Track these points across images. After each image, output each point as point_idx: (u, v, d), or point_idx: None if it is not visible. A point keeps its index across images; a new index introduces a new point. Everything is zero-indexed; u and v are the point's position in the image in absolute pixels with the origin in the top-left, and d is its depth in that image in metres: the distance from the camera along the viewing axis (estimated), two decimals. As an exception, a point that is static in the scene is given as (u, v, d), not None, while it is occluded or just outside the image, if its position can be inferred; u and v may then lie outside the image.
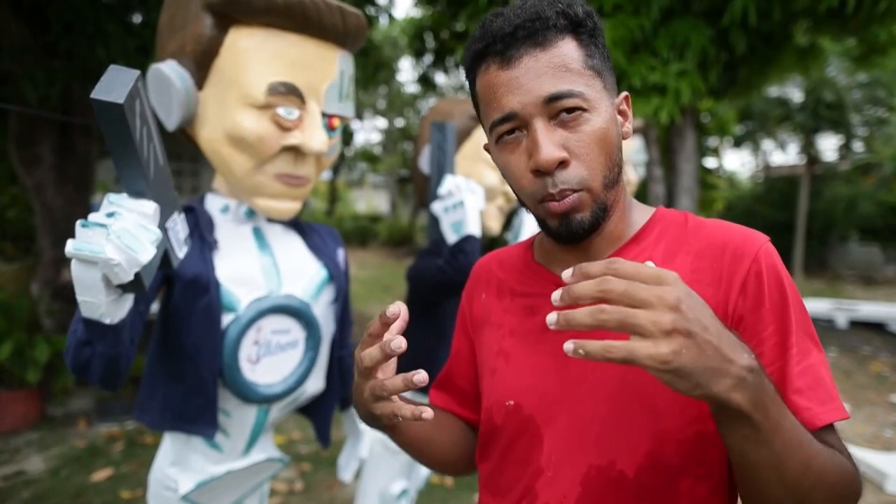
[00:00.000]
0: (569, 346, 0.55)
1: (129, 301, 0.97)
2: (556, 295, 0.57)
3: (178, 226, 1.04)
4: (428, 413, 0.72)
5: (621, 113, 0.80)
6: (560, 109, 0.71)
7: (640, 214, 0.84)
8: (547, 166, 0.71)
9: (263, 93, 1.28)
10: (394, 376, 0.72)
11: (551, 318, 0.56)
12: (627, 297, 0.53)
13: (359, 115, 15.46)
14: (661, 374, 0.52)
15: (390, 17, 6.49)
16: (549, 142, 0.71)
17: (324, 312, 1.52)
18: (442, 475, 0.98)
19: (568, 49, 0.72)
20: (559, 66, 0.71)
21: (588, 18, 0.74)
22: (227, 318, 1.33)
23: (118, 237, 0.84)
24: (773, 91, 11.02)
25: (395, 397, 0.75)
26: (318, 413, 1.66)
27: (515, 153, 0.75)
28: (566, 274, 0.58)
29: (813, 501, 0.62)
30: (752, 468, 0.61)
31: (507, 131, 0.75)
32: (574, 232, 0.75)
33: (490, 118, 0.76)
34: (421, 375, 0.68)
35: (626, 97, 0.81)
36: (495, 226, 2.25)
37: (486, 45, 0.74)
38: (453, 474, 1.00)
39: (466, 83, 0.84)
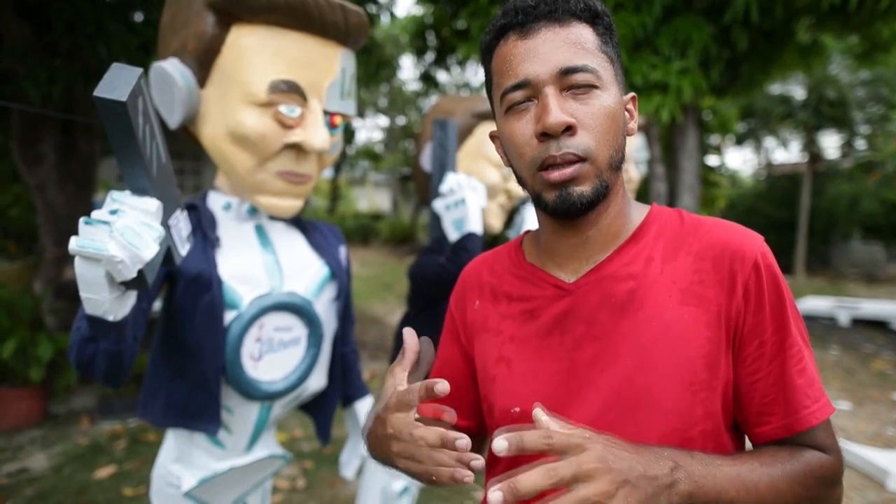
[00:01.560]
0: None
1: (132, 298, 0.98)
2: (496, 498, 0.56)
3: (181, 223, 1.04)
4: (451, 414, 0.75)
5: (627, 111, 0.81)
6: (573, 83, 0.73)
7: (637, 212, 0.85)
8: (555, 128, 0.71)
9: (265, 91, 1.29)
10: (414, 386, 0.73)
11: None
12: (576, 479, 0.56)
13: (360, 113, 15.46)
14: None
15: (392, 14, 6.49)
16: (559, 107, 0.72)
17: (326, 310, 1.52)
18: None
19: (584, 32, 0.75)
20: (575, 42, 0.74)
21: (605, 15, 0.77)
22: (229, 316, 1.33)
23: (121, 234, 0.85)
24: (776, 88, 11.00)
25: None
26: (320, 410, 1.66)
27: (523, 120, 0.76)
28: (498, 447, 0.58)
29: None
30: None
31: (518, 100, 0.75)
32: (573, 204, 0.74)
33: (503, 86, 0.77)
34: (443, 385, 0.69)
35: (633, 97, 0.82)
36: (497, 223, 2.25)
37: (508, 20, 0.77)
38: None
39: (481, 68, 0.85)
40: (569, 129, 0.72)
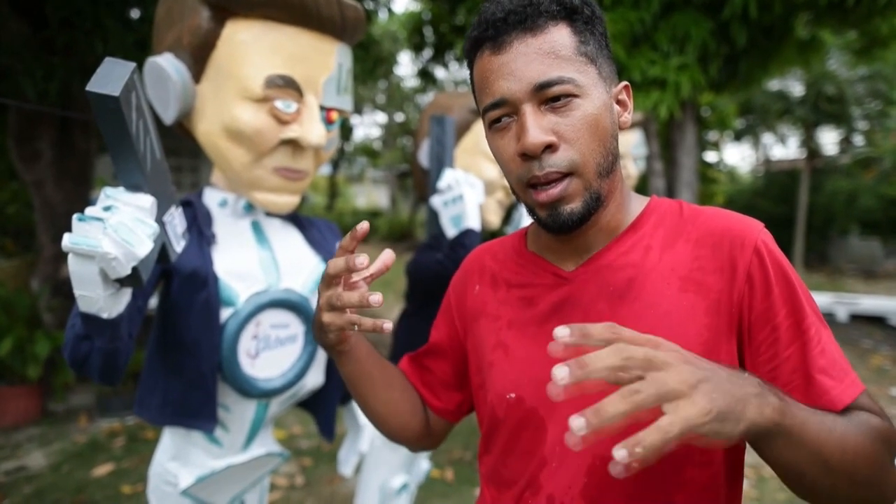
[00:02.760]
0: (621, 453, 0.47)
1: (126, 295, 0.97)
2: (561, 372, 0.50)
3: (176, 220, 1.03)
4: (388, 325, 0.77)
5: (620, 102, 0.79)
6: (550, 96, 0.71)
7: (636, 204, 0.84)
8: (533, 149, 0.70)
9: (261, 86, 1.28)
10: (351, 292, 0.76)
11: (576, 424, 0.48)
12: (649, 364, 0.51)
13: (358, 110, 15.44)
14: (707, 426, 0.49)
15: (389, 10, 6.47)
16: (537, 126, 0.71)
17: (323, 307, 1.51)
18: (397, 441, 0.97)
19: (560, 35, 0.72)
20: (549, 52, 0.71)
21: (584, 6, 0.74)
22: (225, 313, 1.32)
23: (115, 231, 0.84)
24: (774, 85, 10.99)
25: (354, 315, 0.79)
26: (321, 408, 1.66)
27: (505, 138, 0.75)
28: (561, 334, 0.53)
29: (861, 474, 0.63)
30: (797, 471, 0.61)
31: (498, 117, 0.75)
32: (563, 223, 0.74)
33: (482, 104, 0.76)
34: (377, 297, 0.73)
35: (627, 86, 0.80)
36: (495, 220, 2.25)
37: (480, 32, 0.75)
38: (390, 436, 0.97)
39: (468, 74, 0.84)
40: (549, 147, 0.71)
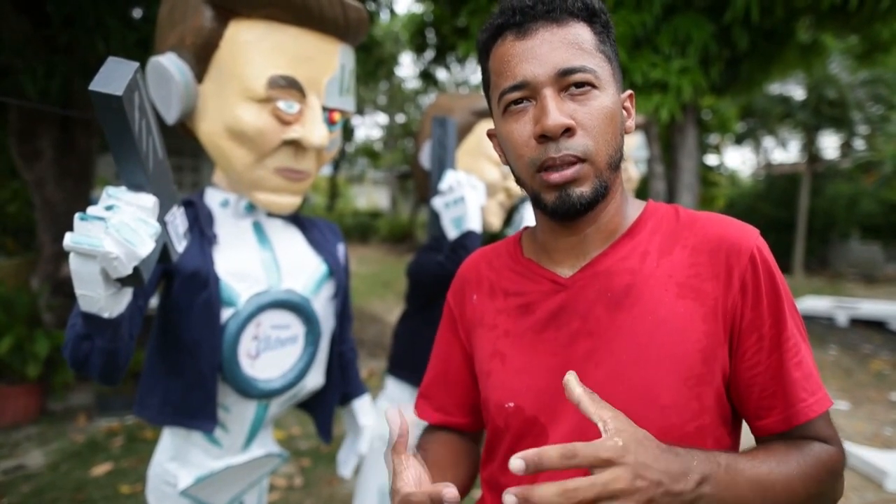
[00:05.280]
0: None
1: (127, 295, 0.97)
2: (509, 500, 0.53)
3: (178, 220, 1.03)
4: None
5: (625, 109, 0.81)
6: (571, 83, 0.73)
7: (633, 208, 0.85)
8: (554, 130, 0.71)
9: (263, 86, 1.27)
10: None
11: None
12: (598, 500, 0.53)
13: (359, 111, 15.44)
14: None
15: (391, 12, 6.48)
16: (558, 109, 0.72)
17: (324, 307, 1.51)
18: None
19: (582, 31, 0.75)
20: (573, 43, 0.73)
21: (602, 13, 0.77)
22: (226, 313, 1.32)
23: (117, 230, 0.84)
24: (775, 88, 10.99)
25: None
26: (319, 409, 1.66)
27: (521, 122, 0.75)
28: (515, 466, 0.54)
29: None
30: None
31: (516, 100, 0.75)
32: (573, 205, 0.74)
33: (500, 87, 0.76)
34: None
35: (631, 95, 0.82)
36: (496, 221, 2.24)
37: (505, 19, 0.76)
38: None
39: (479, 66, 0.85)
40: (568, 131, 0.72)
